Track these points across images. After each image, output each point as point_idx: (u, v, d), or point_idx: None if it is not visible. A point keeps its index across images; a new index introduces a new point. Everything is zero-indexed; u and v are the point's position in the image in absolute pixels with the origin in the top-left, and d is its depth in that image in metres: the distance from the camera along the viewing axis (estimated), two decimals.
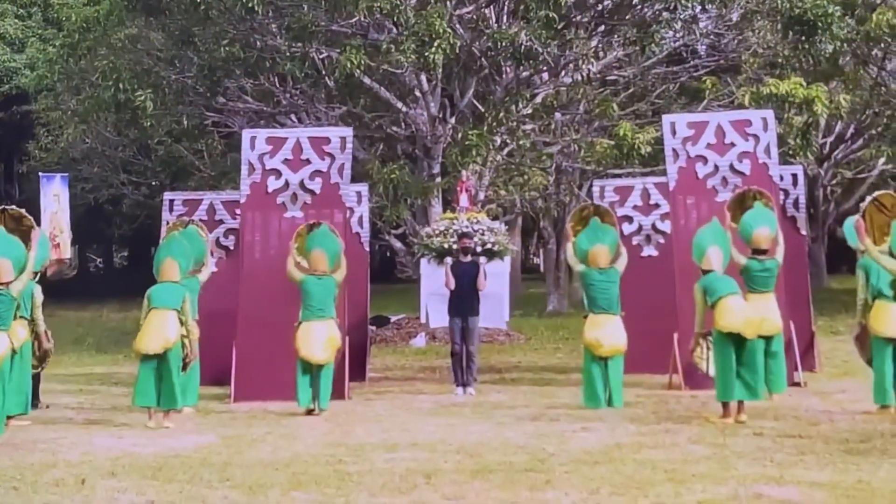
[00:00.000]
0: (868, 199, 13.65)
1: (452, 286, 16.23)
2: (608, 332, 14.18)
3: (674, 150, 16.71)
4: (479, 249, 18.55)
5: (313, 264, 14.50)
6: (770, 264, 13.97)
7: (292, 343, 14.05)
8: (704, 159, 16.59)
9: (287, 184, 16.39)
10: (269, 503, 8.53)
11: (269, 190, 16.38)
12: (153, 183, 36.06)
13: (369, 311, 19.47)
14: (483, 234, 19.33)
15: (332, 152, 16.50)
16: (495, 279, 18.88)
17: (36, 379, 14.56)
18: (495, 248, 19.38)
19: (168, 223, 17.50)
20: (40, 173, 17.70)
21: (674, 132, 16.82)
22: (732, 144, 16.60)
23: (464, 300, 16.19)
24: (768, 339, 13.57)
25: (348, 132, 17.22)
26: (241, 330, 15.54)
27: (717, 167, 16.53)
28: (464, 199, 20.13)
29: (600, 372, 14.08)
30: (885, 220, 13.20)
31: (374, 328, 23.83)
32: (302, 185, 16.38)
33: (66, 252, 16.63)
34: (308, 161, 16.47)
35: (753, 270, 13.89)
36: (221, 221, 18.03)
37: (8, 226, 12.99)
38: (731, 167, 16.49)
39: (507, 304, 19.26)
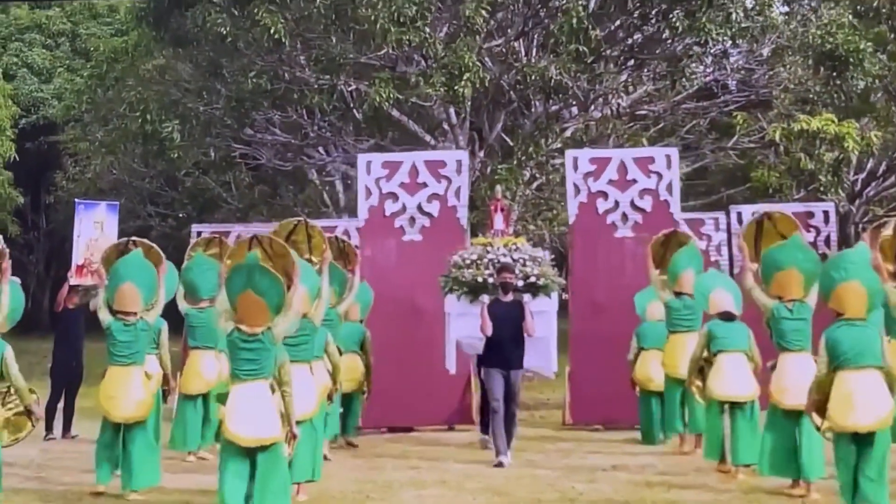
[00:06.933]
0: (755, 215, 12.14)
1: (489, 332, 13.23)
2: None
3: (575, 184, 17.06)
4: (520, 284, 14.44)
5: (119, 303, 11.48)
6: None
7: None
8: (605, 195, 16.90)
9: (404, 207, 16.73)
10: None
11: (387, 213, 16.73)
12: (180, 215, 35.99)
13: None
14: (525, 265, 14.76)
15: (449, 175, 16.80)
16: (541, 319, 14.25)
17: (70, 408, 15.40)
18: (540, 281, 14.83)
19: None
20: (76, 200, 17.60)
21: (576, 167, 17.20)
22: (634, 181, 16.91)
23: (505, 349, 13.25)
24: None
25: (464, 155, 17.77)
26: None
27: (617, 203, 16.84)
28: (499, 221, 15.75)
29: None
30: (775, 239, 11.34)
31: None
32: (419, 208, 16.70)
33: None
34: (424, 184, 16.79)
35: None
36: None
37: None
38: (632, 203, 16.80)
39: (555, 349, 15.31)
